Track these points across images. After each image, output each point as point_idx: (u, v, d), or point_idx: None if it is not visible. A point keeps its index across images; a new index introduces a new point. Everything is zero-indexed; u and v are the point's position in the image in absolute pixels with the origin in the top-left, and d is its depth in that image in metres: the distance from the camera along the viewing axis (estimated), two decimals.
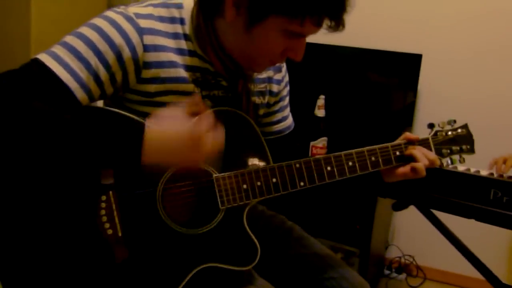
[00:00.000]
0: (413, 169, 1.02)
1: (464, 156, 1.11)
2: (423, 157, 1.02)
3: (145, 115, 0.91)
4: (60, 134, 0.78)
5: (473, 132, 1.14)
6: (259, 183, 0.94)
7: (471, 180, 1.29)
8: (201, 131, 0.81)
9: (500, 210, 1.24)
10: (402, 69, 2.20)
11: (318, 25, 0.86)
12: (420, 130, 2.26)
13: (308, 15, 0.84)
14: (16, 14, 2.33)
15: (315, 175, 0.97)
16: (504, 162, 1.42)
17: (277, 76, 1.11)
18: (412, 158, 1.03)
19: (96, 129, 0.82)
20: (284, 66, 1.14)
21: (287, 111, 1.19)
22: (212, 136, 0.83)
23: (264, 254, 0.96)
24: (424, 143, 1.07)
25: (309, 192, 1.00)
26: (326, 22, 0.86)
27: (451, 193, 1.31)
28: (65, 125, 0.79)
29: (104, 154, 0.81)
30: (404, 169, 1.03)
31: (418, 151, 1.03)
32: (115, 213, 0.85)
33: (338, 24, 0.86)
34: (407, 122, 2.25)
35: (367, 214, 2.01)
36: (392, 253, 2.48)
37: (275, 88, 1.11)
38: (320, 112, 1.90)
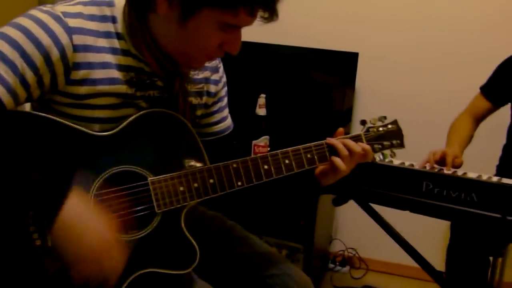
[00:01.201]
0: (332, 164, 1.03)
1: (395, 150, 1.15)
2: (344, 146, 1.03)
3: (75, 118, 0.88)
4: None
5: (406, 127, 1.18)
6: (196, 185, 0.93)
7: (405, 173, 1.35)
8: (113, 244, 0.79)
9: (431, 201, 1.30)
10: (340, 67, 2.26)
11: (252, 16, 0.86)
12: (359, 127, 2.32)
13: (241, 6, 0.83)
14: None
15: (253, 174, 0.97)
16: (441, 157, 1.49)
17: (215, 77, 1.10)
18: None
19: (23, 136, 0.77)
20: (221, 67, 1.13)
21: (226, 112, 1.18)
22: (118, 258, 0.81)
23: (205, 255, 0.95)
24: (356, 139, 1.10)
25: (252, 190, 1.00)
26: (260, 13, 0.86)
27: (387, 186, 1.36)
28: None
29: (32, 159, 0.78)
30: (326, 167, 1.05)
31: (337, 141, 1.04)
32: (44, 221, 0.81)
33: (272, 14, 0.86)
34: (347, 119, 2.31)
35: (309, 210, 2.04)
36: (336, 247, 2.54)
37: (212, 88, 1.10)
38: (261, 111, 1.92)
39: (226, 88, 1.17)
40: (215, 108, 1.14)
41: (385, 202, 1.38)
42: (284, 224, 2.12)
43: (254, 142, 1.90)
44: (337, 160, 1.03)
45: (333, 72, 2.28)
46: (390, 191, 1.36)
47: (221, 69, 1.13)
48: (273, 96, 1.99)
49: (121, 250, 0.81)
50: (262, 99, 1.92)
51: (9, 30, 0.81)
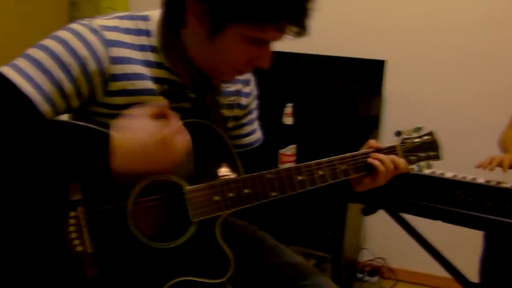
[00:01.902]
0: (373, 176, 1.06)
1: (431, 162, 1.14)
2: (382, 163, 1.05)
3: None
4: (24, 149, 0.76)
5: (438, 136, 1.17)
6: (231, 195, 0.94)
7: (436, 182, 1.33)
8: (170, 133, 0.81)
9: (464, 210, 1.28)
10: (367, 75, 2.25)
11: (280, 31, 0.87)
12: (386, 135, 2.30)
13: (267, 21, 0.84)
14: None
15: (286, 185, 0.98)
16: (499, 164, 1.46)
17: (246, 89, 1.12)
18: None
19: (62, 143, 0.80)
20: (252, 80, 1.14)
21: (256, 124, 1.19)
22: (180, 138, 0.83)
23: (236, 264, 0.95)
24: (392, 150, 1.10)
25: (280, 200, 1.00)
26: (289, 28, 0.87)
27: (418, 195, 1.34)
28: (29, 140, 0.77)
29: (71, 168, 0.80)
30: (368, 177, 1.07)
31: (375, 160, 1.06)
32: (84, 229, 0.83)
33: (301, 29, 0.87)
34: (374, 127, 2.30)
35: (338, 219, 2.03)
36: (364, 257, 2.51)
37: (243, 101, 1.11)
38: (288, 120, 1.93)
39: (257, 101, 1.18)
40: (245, 120, 1.15)
41: (417, 211, 1.35)
42: (312, 233, 2.11)
43: (280, 151, 1.90)
44: (378, 173, 1.04)
45: (360, 80, 2.28)
46: (421, 200, 1.34)
47: (253, 82, 1.14)
48: (300, 105, 2.00)
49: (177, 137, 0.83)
50: (289, 108, 1.92)
51: (48, 42, 0.84)
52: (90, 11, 2.65)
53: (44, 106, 0.82)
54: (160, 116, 0.85)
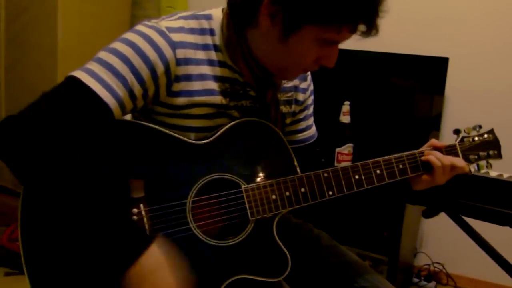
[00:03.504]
0: (430, 175, 1.04)
1: (491, 161, 1.10)
2: (437, 160, 1.03)
3: (173, 126, 0.92)
4: (95, 149, 0.81)
5: (501, 136, 1.11)
6: (288, 193, 0.93)
7: (505, 186, 1.26)
8: None
9: None
10: (429, 73, 2.17)
11: (353, 32, 0.86)
12: (447, 135, 2.21)
13: (345, 23, 0.84)
14: (44, 27, 2.39)
15: (343, 184, 0.96)
16: None
17: (303, 85, 1.11)
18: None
19: (127, 142, 0.83)
20: (309, 75, 1.13)
21: (311, 120, 1.18)
22: None
23: (293, 263, 0.95)
24: (451, 149, 1.07)
25: (336, 199, 0.99)
26: (361, 29, 0.86)
27: (485, 199, 1.28)
28: (101, 141, 0.81)
29: (134, 165, 0.82)
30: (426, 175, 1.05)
31: (432, 156, 1.03)
32: (146, 225, 0.86)
33: (371, 29, 0.86)
34: (434, 127, 2.21)
35: (395, 221, 1.97)
36: (421, 261, 2.43)
37: (300, 96, 1.11)
38: (345, 118, 1.89)
39: (312, 97, 1.17)
40: (301, 116, 1.15)
41: (482, 216, 1.29)
42: (368, 234, 2.06)
43: (337, 149, 1.87)
44: (434, 170, 1.02)
45: (421, 78, 2.20)
46: (488, 204, 1.27)
47: (309, 78, 1.14)
48: (357, 103, 1.96)
49: None
50: (346, 106, 1.89)
51: (118, 45, 0.86)
52: (151, 10, 2.73)
53: (116, 110, 0.84)
54: None
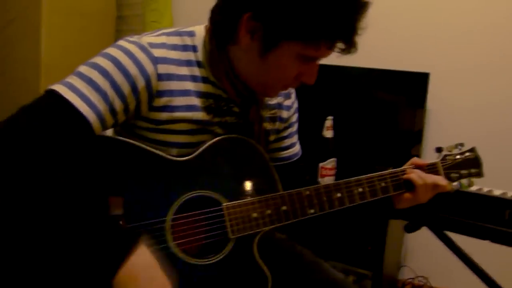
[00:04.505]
0: (412, 193, 1.04)
1: (473, 179, 1.11)
2: (420, 179, 1.03)
3: (155, 141, 0.92)
4: (74, 165, 0.78)
5: (483, 150, 1.13)
6: (269, 212, 0.93)
7: (485, 200, 1.27)
8: None
9: None
10: (410, 88, 2.19)
11: (332, 49, 0.88)
12: (429, 150, 2.23)
13: (323, 40, 0.85)
14: (27, 41, 2.38)
15: (325, 202, 0.96)
16: None
17: (287, 102, 1.11)
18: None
19: (107, 158, 0.81)
20: (293, 93, 1.14)
21: (295, 138, 1.18)
22: None
23: (275, 281, 0.94)
24: (433, 167, 1.08)
25: (320, 214, 0.99)
26: (339, 46, 0.87)
27: (465, 214, 1.29)
28: (79, 156, 0.79)
29: (113, 182, 0.80)
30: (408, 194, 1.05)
31: (414, 175, 1.04)
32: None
33: (350, 46, 0.87)
34: (417, 141, 2.23)
35: (379, 235, 1.98)
36: (405, 274, 2.43)
37: (285, 114, 1.11)
38: (328, 133, 1.90)
39: (297, 114, 1.17)
40: (285, 133, 1.15)
41: (463, 230, 1.30)
42: (352, 249, 2.06)
43: (321, 164, 1.88)
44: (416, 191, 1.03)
45: (403, 93, 2.22)
46: (468, 218, 1.29)
47: (293, 95, 1.14)
48: (340, 118, 1.97)
49: None
50: (329, 121, 1.90)
51: (100, 60, 0.85)
52: (136, 25, 2.73)
53: (96, 125, 0.83)
54: None
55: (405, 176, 1.05)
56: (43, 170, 0.76)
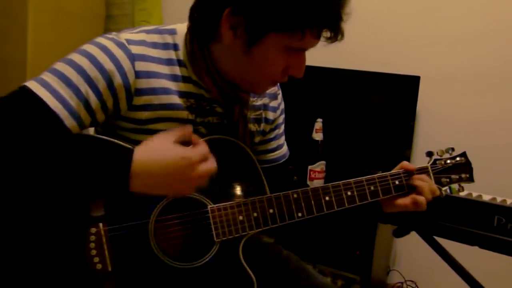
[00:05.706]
0: (415, 202, 1.01)
1: (463, 184, 1.10)
2: (429, 192, 1.02)
3: (137, 143, 0.89)
4: (46, 164, 0.75)
5: (473, 155, 1.12)
6: (255, 214, 0.91)
7: (474, 206, 1.26)
8: (195, 159, 0.79)
9: (504, 237, 1.21)
10: (400, 91, 2.19)
11: (318, 37, 0.85)
12: (419, 154, 2.23)
13: (308, 28, 0.82)
14: (13, 40, 2.33)
15: (313, 205, 0.95)
16: None
17: (273, 103, 1.09)
18: (412, 188, 1.02)
19: (83, 159, 0.78)
20: (280, 94, 1.12)
21: (282, 140, 1.17)
22: (205, 165, 0.80)
23: (259, 285, 0.92)
24: (423, 172, 1.06)
25: (308, 218, 0.97)
26: (325, 34, 0.85)
27: (454, 219, 1.28)
28: (51, 155, 0.76)
29: (90, 184, 0.77)
30: (405, 201, 1.03)
31: (424, 184, 1.02)
32: (105, 246, 0.82)
33: (336, 34, 0.85)
34: (407, 144, 2.23)
35: (367, 240, 1.96)
36: (394, 279, 2.42)
37: (270, 115, 1.09)
38: (317, 136, 1.89)
39: (283, 116, 1.15)
40: (272, 135, 1.13)
41: (451, 236, 1.29)
42: (340, 253, 2.05)
43: (310, 167, 1.87)
44: (421, 200, 1.02)
45: (393, 96, 2.22)
46: (457, 224, 1.28)
47: (280, 96, 1.12)
48: (330, 120, 1.96)
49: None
50: (319, 124, 1.89)
51: (75, 56, 0.84)
52: (125, 25, 2.70)
53: (69, 121, 0.81)
54: (186, 141, 0.83)
55: (413, 182, 1.03)
56: (5, 165, 0.73)
